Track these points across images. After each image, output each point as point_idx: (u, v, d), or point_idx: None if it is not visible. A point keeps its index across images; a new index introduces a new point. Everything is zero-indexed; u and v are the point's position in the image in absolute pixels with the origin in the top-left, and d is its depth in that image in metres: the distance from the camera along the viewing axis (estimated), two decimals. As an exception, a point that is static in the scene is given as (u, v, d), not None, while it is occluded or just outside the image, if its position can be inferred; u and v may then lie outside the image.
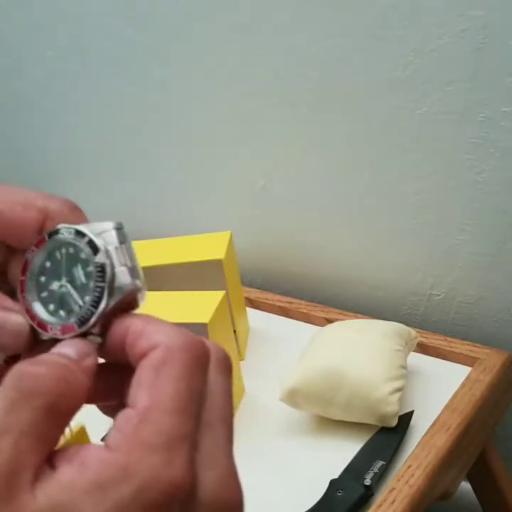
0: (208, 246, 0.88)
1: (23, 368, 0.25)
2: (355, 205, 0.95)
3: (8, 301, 0.29)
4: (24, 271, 0.29)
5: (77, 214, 0.30)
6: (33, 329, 0.29)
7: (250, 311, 0.97)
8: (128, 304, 0.29)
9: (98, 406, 0.29)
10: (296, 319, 0.96)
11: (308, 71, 0.90)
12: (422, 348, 0.86)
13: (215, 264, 0.85)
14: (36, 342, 0.29)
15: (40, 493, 0.23)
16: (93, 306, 0.28)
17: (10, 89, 1.24)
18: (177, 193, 1.13)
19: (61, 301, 0.28)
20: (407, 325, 0.82)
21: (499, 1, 0.74)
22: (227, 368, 0.27)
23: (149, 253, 0.90)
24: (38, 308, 0.29)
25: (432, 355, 0.86)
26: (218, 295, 0.80)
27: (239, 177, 1.04)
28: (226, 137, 1.03)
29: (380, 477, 0.67)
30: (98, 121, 1.16)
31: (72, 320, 0.28)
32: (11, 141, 1.30)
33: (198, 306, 0.77)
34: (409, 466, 0.68)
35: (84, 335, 0.28)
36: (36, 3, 1.13)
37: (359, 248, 0.97)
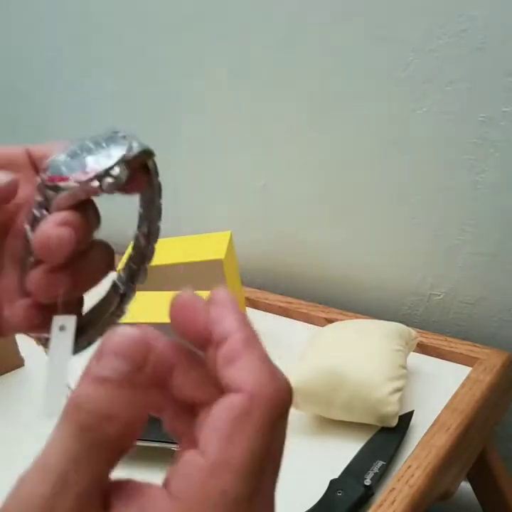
0: (208, 246, 0.88)
1: (83, 415, 0.24)
2: (355, 205, 0.95)
3: None
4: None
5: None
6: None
7: (250, 311, 0.97)
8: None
9: None
10: (296, 319, 0.96)
11: (308, 71, 0.90)
12: (422, 348, 0.86)
13: (215, 264, 0.85)
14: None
15: None
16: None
17: (10, 88, 1.24)
18: (177, 193, 1.13)
19: (87, 150, 0.31)
20: (407, 325, 0.82)
21: (499, 1, 0.74)
22: (289, 410, 0.27)
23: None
24: (59, 157, 0.31)
25: (432, 355, 0.86)
26: (218, 295, 0.80)
27: (239, 177, 1.04)
28: (226, 137, 1.03)
29: (380, 477, 0.67)
30: (98, 121, 1.16)
31: (94, 164, 0.30)
32: (11, 141, 1.30)
33: (198, 306, 0.77)
34: (410, 466, 0.68)
35: (104, 175, 0.30)
36: (36, 3, 1.13)
37: (359, 248, 0.97)
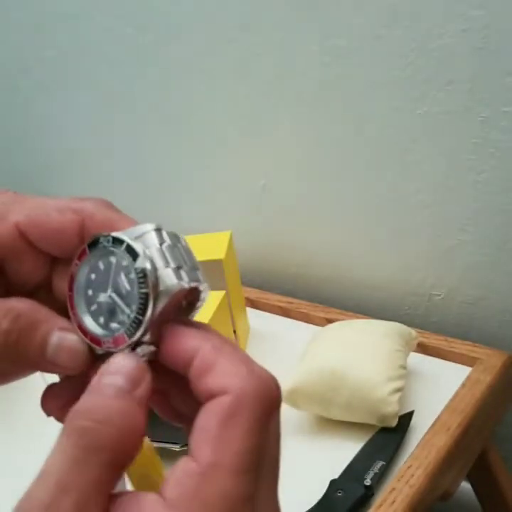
0: (208, 246, 0.88)
1: (79, 419, 0.24)
2: (356, 205, 0.95)
3: (62, 321, 0.28)
4: (70, 286, 0.29)
5: (111, 210, 0.29)
6: (90, 346, 0.28)
7: (250, 311, 0.96)
8: (182, 305, 0.28)
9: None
10: (296, 319, 0.96)
11: (308, 71, 0.90)
12: (423, 348, 0.86)
13: (215, 264, 0.85)
14: (95, 359, 0.28)
15: None
16: (140, 314, 0.27)
17: (10, 88, 1.24)
18: (177, 193, 1.13)
19: (110, 313, 0.28)
20: (408, 325, 0.82)
21: (500, 0, 0.74)
22: (279, 407, 0.26)
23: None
24: (89, 323, 0.28)
25: (432, 356, 0.86)
26: (218, 295, 0.80)
27: (239, 177, 1.04)
28: (226, 137, 1.03)
29: (381, 477, 0.67)
30: (97, 121, 1.16)
31: (122, 330, 0.27)
32: (11, 140, 1.30)
33: (198, 306, 0.77)
34: (410, 466, 0.68)
35: (136, 345, 0.27)
36: (36, 3, 1.12)
37: (359, 248, 0.97)
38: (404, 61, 0.82)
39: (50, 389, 0.30)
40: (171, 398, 0.29)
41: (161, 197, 1.15)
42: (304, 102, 0.93)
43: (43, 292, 0.31)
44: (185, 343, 0.26)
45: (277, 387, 0.26)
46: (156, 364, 0.27)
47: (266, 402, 0.25)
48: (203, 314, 0.76)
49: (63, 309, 0.29)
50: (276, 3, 0.89)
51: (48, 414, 0.30)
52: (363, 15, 0.83)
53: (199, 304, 0.29)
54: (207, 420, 0.24)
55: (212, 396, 0.25)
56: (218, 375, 0.25)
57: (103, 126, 1.16)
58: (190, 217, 1.12)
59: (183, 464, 0.24)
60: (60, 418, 0.29)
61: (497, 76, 0.77)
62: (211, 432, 0.24)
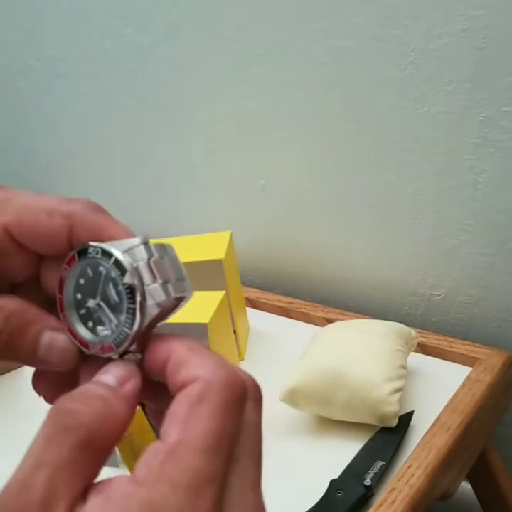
0: (208, 246, 0.88)
1: (61, 403, 0.25)
2: (355, 205, 0.95)
3: (52, 320, 0.29)
4: (61, 289, 0.29)
5: (101, 215, 0.30)
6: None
7: (250, 311, 0.97)
8: (166, 314, 0.29)
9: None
10: (296, 319, 0.96)
11: (308, 71, 0.90)
12: (422, 348, 0.86)
13: (215, 264, 0.85)
14: (85, 356, 0.29)
15: None
16: (127, 327, 0.27)
17: (10, 88, 1.24)
18: (177, 193, 1.13)
19: (98, 319, 0.29)
20: (408, 325, 0.82)
21: (499, 1, 0.74)
22: (259, 403, 0.27)
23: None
24: (78, 326, 0.29)
25: (432, 355, 0.86)
26: (218, 295, 0.80)
27: (239, 177, 1.04)
28: (226, 137, 1.03)
29: (380, 477, 0.67)
30: (97, 121, 1.16)
31: (110, 340, 0.28)
32: (10, 140, 1.30)
33: (198, 306, 0.77)
34: (410, 466, 0.68)
35: (124, 353, 0.28)
36: (36, 3, 1.13)
37: (359, 248, 0.97)
38: (404, 61, 0.82)
39: (38, 372, 0.31)
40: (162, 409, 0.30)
41: (160, 197, 1.15)
42: (303, 102, 0.93)
43: (29, 286, 0.31)
44: (163, 347, 0.27)
45: (251, 380, 0.27)
46: (145, 378, 0.28)
47: (236, 390, 0.25)
48: (203, 314, 0.76)
49: (51, 302, 0.30)
50: (276, 3, 0.89)
51: (39, 394, 0.31)
52: (363, 15, 0.83)
53: (183, 303, 0.30)
54: (176, 407, 0.25)
55: (183, 387, 0.25)
56: (190, 368, 0.26)
57: (102, 126, 1.16)
58: (190, 217, 1.13)
59: (152, 446, 0.25)
60: (47, 399, 0.31)
61: (497, 76, 0.77)
62: (179, 415, 0.25)
